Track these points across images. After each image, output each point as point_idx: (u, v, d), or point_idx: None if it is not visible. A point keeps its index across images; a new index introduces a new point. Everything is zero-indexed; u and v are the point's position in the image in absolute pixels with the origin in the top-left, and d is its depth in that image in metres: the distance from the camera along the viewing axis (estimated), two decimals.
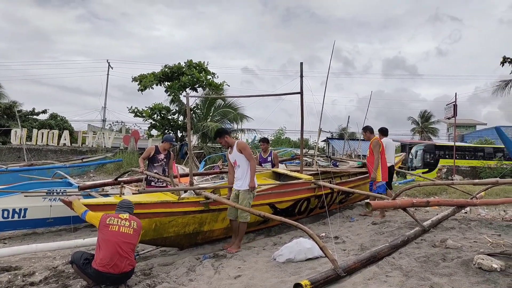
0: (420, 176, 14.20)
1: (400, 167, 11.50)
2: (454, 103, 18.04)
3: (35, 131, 24.27)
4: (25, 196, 6.91)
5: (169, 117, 22.36)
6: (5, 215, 6.76)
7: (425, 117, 43.62)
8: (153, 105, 22.00)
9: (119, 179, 7.42)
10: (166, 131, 22.01)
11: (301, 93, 6.90)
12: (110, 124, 38.60)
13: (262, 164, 8.02)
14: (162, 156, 6.65)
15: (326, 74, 10.94)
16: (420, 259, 3.61)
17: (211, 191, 5.54)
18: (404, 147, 26.23)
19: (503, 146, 22.51)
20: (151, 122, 22.51)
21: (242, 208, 4.92)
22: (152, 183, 6.50)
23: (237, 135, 23.44)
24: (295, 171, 7.43)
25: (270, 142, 12.87)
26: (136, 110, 22.06)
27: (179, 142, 21.24)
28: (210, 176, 11.30)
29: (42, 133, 24.09)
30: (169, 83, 22.04)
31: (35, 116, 30.36)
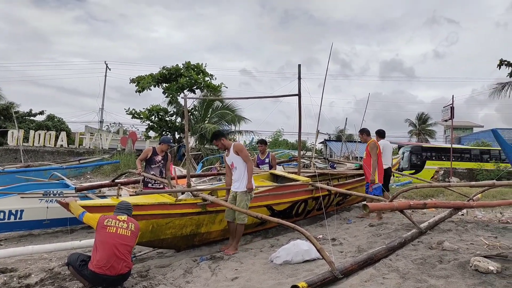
0: (410, 177, 14.25)
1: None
2: (451, 105, 18.09)
3: (32, 132, 24.17)
4: (21, 197, 6.87)
5: (167, 118, 22.33)
6: (1, 217, 6.73)
7: (423, 119, 43.77)
8: (151, 106, 21.97)
9: (116, 180, 7.40)
10: (163, 132, 21.97)
11: (299, 95, 6.91)
12: (107, 125, 38.50)
13: (260, 166, 8.03)
14: (159, 157, 6.64)
15: (324, 76, 10.96)
16: (417, 261, 3.62)
17: (209, 193, 5.53)
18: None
19: (490, 148, 22.73)
20: (148, 124, 22.47)
21: (240, 210, 4.92)
22: (149, 185, 6.49)
23: (235, 137, 23.43)
24: (292, 173, 7.43)
25: (268, 144, 12.87)
26: (133, 111, 22.02)
27: (176, 144, 21.21)
28: (208, 178, 11.28)
29: (39, 134, 24.00)
30: (167, 85, 22.02)
31: (32, 117, 30.23)
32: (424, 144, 26.04)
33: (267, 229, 6.33)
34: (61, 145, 24.05)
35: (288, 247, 4.36)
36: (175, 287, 3.91)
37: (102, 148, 23.93)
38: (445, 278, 3.14)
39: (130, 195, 6.31)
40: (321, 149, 40.65)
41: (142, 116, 21.88)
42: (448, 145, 27.10)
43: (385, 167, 7.36)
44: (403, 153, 21.80)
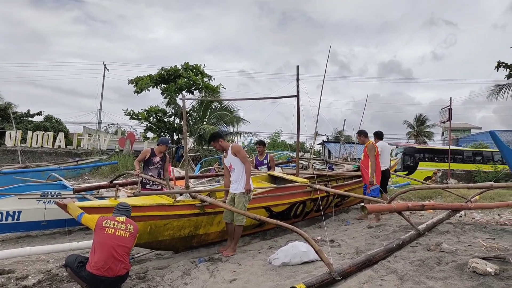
0: (407, 178, 14.28)
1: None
2: (449, 107, 18.14)
3: (30, 133, 24.12)
4: (19, 198, 6.86)
5: (165, 119, 22.32)
6: None
7: (421, 121, 43.86)
8: (149, 107, 21.95)
9: (114, 181, 7.37)
10: (162, 133, 21.96)
11: (297, 96, 6.92)
12: (105, 126, 38.47)
13: (258, 167, 8.02)
14: (157, 158, 6.63)
15: (322, 77, 10.98)
16: (415, 262, 3.62)
17: (207, 194, 5.53)
18: None
19: (483, 149, 22.85)
20: (147, 125, 22.45)
21: (238, 211, 4.92)
22: (148, 186, 6.48)
23: (233, 138, 23.42)
24: (291, 174, 7.43)
25: (267, 145, 12.87)
26: (132, 112, 22.00)
27: (175, 145, 21.19)
28: (206, 179, 11.28)
29: (37, 135, 23.94)
30: (165, 86, 22.01)
31: (30, 118, 30.16)
32: (417, 145, 26.10)
33: (265, 231, 6.32)
34: (59, 146, 23.99)
35: (287, 248, 4.36)
36: None
37: (100, 149, 23.89)
38: (443, 279, 3.14)
39: (128, 196, 6.31)
40: (320, 150, 40.66)
41: (140, 117, 21.86)
42: (442, 147, 27.27)
43: (383, 168, 7.37)
44: (396, 154, 21.86)
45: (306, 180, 6.80)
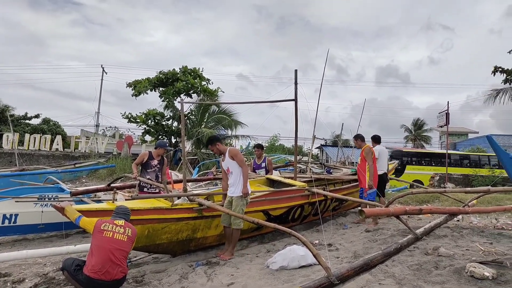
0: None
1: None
2: (446, 111, 18.22)
3: (27, 135, 24.08)
4: (16, 201, 6.83)
5: (163, 123, 22.31)
6: None
7: (418, 125, 44.01)
8: (147, 110, 21.95)
9: (112, 185, 7.36)
10: (160, 136, 21.93)
11: (295, 100, 6.94)
12: (103, 129, 38.42)
13: (256, 171, 8.03)
14: (155, 162, 6.63)
15: (320, 81, 11.02)
16: (413, 267, 3.63)
17: (205, 198, 5.53)
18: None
19: (470, 153, 22.98)
20: (145, 128, 22.44)
21: (236, 215, 4.91)
22: (145, 189, 6.46)
23: (231, 142, 23.43)
24: (289, 178, 7.44)
25: (265, 148, 12.91)
26: (129, 115, 21.99)
27: (172, 148, 21.17)
28: (204, 183, 11.26)
29: (35, 138, 23.90)
30: (163, 89, 22.02)
31: (27, 121, 30.16)
32: (404, 149, 26.19)
33: (263, 234, 6.31)
34: (57, 149, 23.95)
35: (284, 252, 4.35)
36: None
37: (97, 152, 23.86)
38: (441, 284, 3.15)
39: (126, 200, 6.28)
40: (318, 154, 40.73)
41: (138, 120, 21.85)
42: (429, 150, 27.43)
43: (381, 172, 7.39)
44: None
45: (304, 184, 6.81)
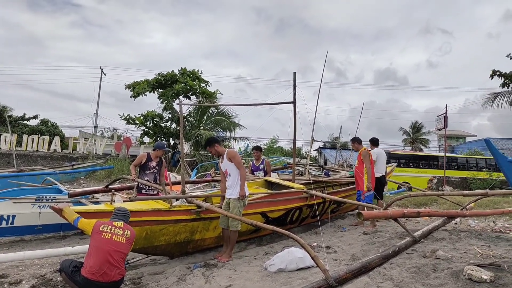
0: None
1: None
2: (444, 114, 18.27)
3: (25, 136, 24.01)
4: (13, 202, 6.81)
5: (162, 124, 22.30)
6: None
7: (416, 128, 44.08)
8: (146, 112, 21.94)
9: (110, 186, 7.35)
10: (158, 138, 21.91)
11: (294, 102, 6.95)
12: (101, 130, 38.39)
13: (255, 173, 8.03)
14: (154, 163, 6.62)
15: (319, 84, 11.04)
16: (411, 269, 3.63)
17: (203, 200, 5.52)
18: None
19: (458, 156, 23.13)
20: (143, 129, 22.41)
21: (234, 217, 4.91)
22: (143, 191, 6.46)
23: (230, 144, 23.42)
24: (287, 180, 7.44)
25: (263, 150, 12.90)
26: (128, 117, 21.97)
27: (171, 150, 21.15)
28: (202, 184, 11.26)
29: (33, 138, 23.83)
30: (162, 91, 22.01)
31: (25, 122, 30.08)
32: (392, 151, 26.31)
33: (261, 237, 6.31)
34: (55, 150, 23.89)
35: (283, 254, 4.35)
36: None
37: (96, 153, 23.82)
38: (438, 287, 3.15)
39: (124, 201, 6.27)
40: (316, 156, 40.73)
41: (137, 121, 21.83)
42: (418, 153, 27.58)
43: (379, 175, 7.40)
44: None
45: (303, 186, 6.81)
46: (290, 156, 24.75)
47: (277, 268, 4.16)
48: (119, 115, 23.35)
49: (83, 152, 24.10)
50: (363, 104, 22.95)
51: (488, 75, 17.07)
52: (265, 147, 35.98)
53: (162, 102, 22.09)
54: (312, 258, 3.64)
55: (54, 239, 7.18)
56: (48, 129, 28.78)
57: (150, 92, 22.01)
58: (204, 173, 16.10)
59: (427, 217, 7.11)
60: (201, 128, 21.45)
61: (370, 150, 7.53)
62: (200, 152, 21.22)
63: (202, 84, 22.43)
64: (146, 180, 6.41)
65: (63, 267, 3.83)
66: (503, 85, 17.46)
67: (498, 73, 16.89)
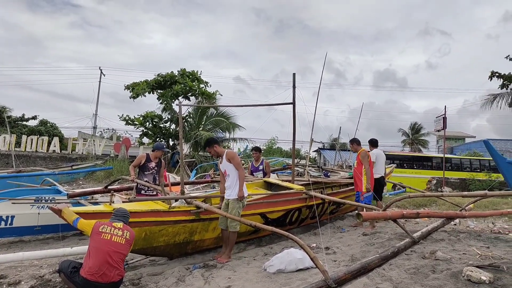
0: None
1: None
2: (443, 115, 18.27)
3: (24, 137, 23.98)
4: (12, 203, 6.80)
5: (161, 125, 22.30)
6: None
7: (415, 129, 44.11)
8: (145, 113, 21.94)
9: (109, 187, 7.36)
10: (157, 139, 21.91)
11: (293, 103, 6.95)
12: (101, 131, 38.35)
13: (254, 173, 8.03)
14: (153, 164, 6.61)
15: (318, 85, 11.05)
16: (410, 270, 3.63)
17: (202, 200, 5.52)
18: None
19: (451, 156, 23.23)
20: (142, 130, 22.41)
21: (233, 218, 4.91)
22: (143, 192, 6.45)
23: (229, 144, 23.42)
24: (286, 181, 7.44)
25: (262, 151, 12.87)
26: (127, 118, 21.97)
27: (170, 151, 21.14)
28: (201, 185, 11.25)
29: (32, 139, 23.81)
30: (161, 91, 22.01)
31: (24, 122, 30.04)
32: (386, 152, 26.44)
33: (260, 237, 6.31)
34: (54, 151, 23.87)
35: (282, 255, 4.35)
36: None
37: (95, 154, 23.80)
38: (438, 287, 3.15)
39: (123, 202, 6.27)
40: (315, 157, 40.74)
41: (136, 122, 21.82)
42: (410, 153, 27.67)
43: (378, 176, 7.41)
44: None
45: (302, 187, 6.81)
46: (289, 157, 24.75)
47: (276, 269, 4.16)
48: (119, 115, 23.36)
49: (82, 153, 24.08)
50: (362, 105, 22.96)
51: (487, 76, 17.14)
52: (265, 148, 35.99)
53: (161, 103, 22.10)
54: (311, 259, 3.64)
55: (53, 240, 7.17)
56: (47, 129, 28.75)
57: (149, 93, 22.02)
58: (203, 174, 16.08)
59: (426, 218, 7.11)
60: (201, 129, 21.46)
61: (369, 151, 7.54)
62: (199, 153, 21.22)
63: (202, 85, 22.44)
64: (145, 181, 6.41)
65: (62, 267, 3.82)
66: (502, 86, 17.51)
67: (497, 74, 16.94)
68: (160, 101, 22.02)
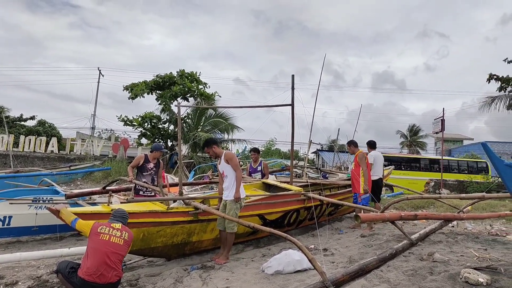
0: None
1: None
2: (441, 118, 18.32)
3: (22, 137, 23.92)
4: (10, 203, 6.78)
5: (160, 126, 22.29)
6: None
7: (414, 131, 44.14)
8: (144, 113, 21.93)
9: (107, 187, 7.34)
10: (156, 140, 21.90)
11: (292, 105, 6.96)
12: (99, 131, 38.31)
13: (252, 174, 8.03)
14: (151, 165, 6.61)
15: (317, 86, 11.07)
16: (407, 272, 3.64)
17: (201, 201, 5.52)
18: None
19: (441, 158, 23.33)
20: (141, 131, 22.39)
21: (231, 219, 4.91)
22: (141, 192, 6.44)
23: (227, 146, 23.42)
24: (285, 182, 7.44)
25: (261, 152, 12.87)
26: (125, 118, 21.95)
27: (169, 151, 21.13)
28: (200, 186, 11.25)
29: (30, 139, 23.75)
30: (160, 92, 22.01)
31: (22, 122, 30.01)
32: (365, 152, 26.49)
33: (258, 239, 6.30)
34: (52, 151, 23.81)
35: (280, 257, 4.35)
36: None
37: (93, 154, 23.74)
38: None
39: (121, 203, 6.26)
40: (314, 159, 40.78)
41: (134, 123, 21.81)
42: (402, 155, 27.81)
43: (376, 178, 7.41)
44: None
45: (300, 188, 6.81)
46: (288, 158, 24.78)
47: (274, 270, 4.16)
48: (117, 116, 23.29)
49: (80, 153, 24.02)
50: (361, 107, 22.97)
51: (485, 78, 17.20)
52: (263, 149, 35.99)
53: (160, 104, 22.09)
54: (310, 261, 3.65)
55: (51, 240, 7.15)
56: (45, 130, 28.71)
57: (148, 93, 22.01)
58: (202, 175, 16.09)
59: (424, 220, 7.13)
60: (199, 130, 21.45)
61: (367, 153, 7.55)
62: (198, 154, 21.22)
63: (200, 86, 22.45)
64: (144, 182, 6.40)
65: (59, 268, 3.81)
66: (500, 89, 17.59)
67: (495, 76, 17.01)
68: (159, 102, 22.02)
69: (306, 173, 11.16)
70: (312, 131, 9.86)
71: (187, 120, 22.15)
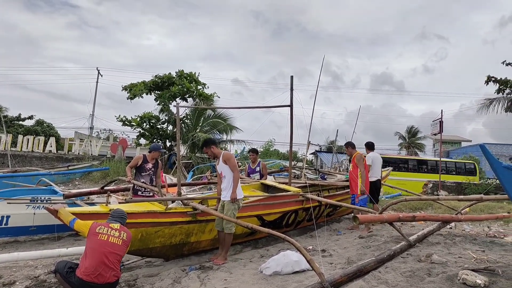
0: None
1: None
2: (440, 119, 18.35)
3: (20, 137, 23.86)
4: (8, 203, 6.76)
5: (158, 126, 22.27)
6: None
7: (412, 132, 44.21)
8: (142, 114, 21.91)
9: (105, 187, 7.33)
10: (154, 140, 21.88)
11: (291, 106, 6.97)
12: (97, 131, 38.23)
13: (251, 175, 8.03)
14: (150, 165, 6.60)
15: (316, 87, 11.08)
16: (405, 273, 3.64)
17: (199, 202, 5.52)
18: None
19: (423, 158, 23.43)
20: (140, 131, 22.36)
21: (229, 219, 4.91)
22: (139, 193, 6.43)
23: (226, 146, 23.40)
24: (283, 183, 7.44)
25: (259, 153, 12.85)
26: (124, 118, 21.92)
27: (167, 152, 21.11)
28: (198, 187, 11.23)
29: (28, 139, 23.70)
30: (159, 92, 22.00)
31: (21, 122, 29.96)
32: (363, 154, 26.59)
33: (257, 239, 6.30)
34: (50, 151, 23.76)
35: (278, 257, 4.35)
36: None
37: (91, 154, 23.71)
38: None
39: (120, 203, 6.25)
40: (312, 160, 40.81)
41: (133, 123, 21.78)
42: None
43: (374, 179, 7.42)
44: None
45: (299, 189, 6.81)
46: (286, 159, 24.78)
47: (273, 271, 4.16)
48: (115, 116, 23.27)
49: (78, 153, 23.98)
50: (360, 108, 22.97)
51: (484, 81, 17.26)
52: (262, 150, 35.97)
53: (158, 104, 22.07)
54: (308, 262, 3.65)
55: (49, 240, 7.13)
56: (44, 129, 28.68)
57: (146, 94, 22.00)
58: (200, 175, 16.07)
59: (422, 222, 7.13)
60: (198, 130, 21.44)
61: (365, 155, 7.56)
62: (196, 155, 21.19)
63: (199, 87, 22.45)
64: (142, 182, 6.39)
65: (58, 268, 3.80)
66: (498, 91, 17.64)
67: (493, 79, 17.07)
68: (158, 102, 22.00)
69: (304, 174, 11.16)
70: (311, 132, 9.85)
71: (186, 120, 22.13)
